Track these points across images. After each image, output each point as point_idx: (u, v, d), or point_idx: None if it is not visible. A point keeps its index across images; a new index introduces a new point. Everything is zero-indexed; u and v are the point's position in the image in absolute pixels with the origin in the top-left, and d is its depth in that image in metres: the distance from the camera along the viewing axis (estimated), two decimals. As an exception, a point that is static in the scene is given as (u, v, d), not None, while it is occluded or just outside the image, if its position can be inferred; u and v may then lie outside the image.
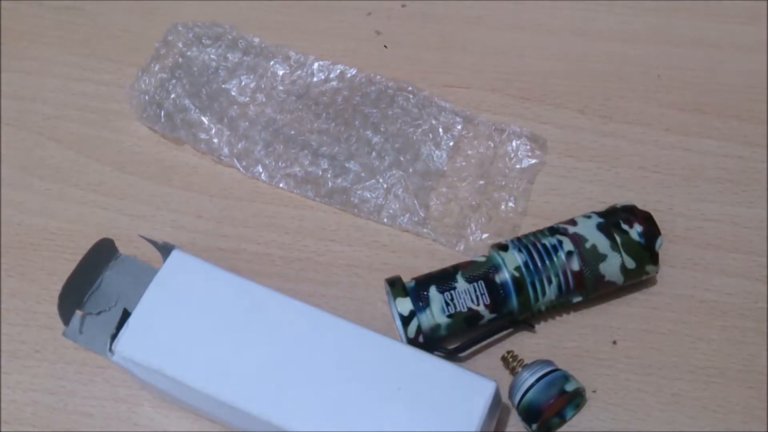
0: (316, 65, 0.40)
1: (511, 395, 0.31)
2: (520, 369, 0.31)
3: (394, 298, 0.31)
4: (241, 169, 0.38)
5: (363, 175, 0.37)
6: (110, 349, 0.30)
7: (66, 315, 0.31)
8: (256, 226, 0.37)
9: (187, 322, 0.30)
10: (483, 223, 0.36)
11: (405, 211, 0.36)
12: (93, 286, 0.32)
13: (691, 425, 0.32)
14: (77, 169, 0.39)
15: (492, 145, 0.38)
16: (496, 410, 0.29)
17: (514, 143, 0.38)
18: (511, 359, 0.32)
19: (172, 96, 0.39)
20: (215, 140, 0.38)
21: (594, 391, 0.32)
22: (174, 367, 0.29)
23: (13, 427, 0.33)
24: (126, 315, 0.30)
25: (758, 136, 0.38)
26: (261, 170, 0.38)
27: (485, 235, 0.35)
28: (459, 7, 0.43)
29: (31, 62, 0.43)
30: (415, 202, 0.36)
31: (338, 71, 0.40)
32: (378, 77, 0.40)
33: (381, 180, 0.37)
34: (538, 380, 0.30)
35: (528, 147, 0.38)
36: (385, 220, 0.36)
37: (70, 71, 0.42)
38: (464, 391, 0.28)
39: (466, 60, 0.41)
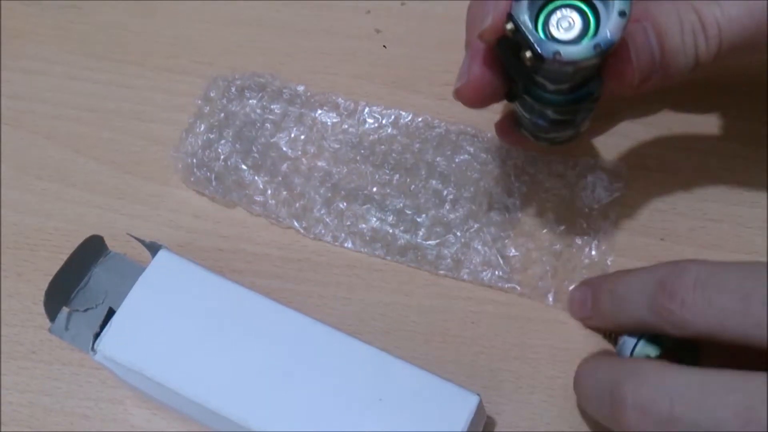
0: (366, 110, 0.38)
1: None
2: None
3: None
4: (302, 230, 0.36)
5: (438, 230, 0.35)
6: (92, 348, 0.30)
7: (52, 311, 0.31)
8: (255, 226, 0.37)
9: (171, 323, 0.30)
10: (569, 270, 0.34)
11: (486, 266, 0.34)
12: (81, 282, 0.31)
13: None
14: (75, 168, 0.39)
15: (565, 183, 0.36)
16: (480, 424, 0.29)
17: (588, 178, 0.36)
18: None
19: (222, 157, 0.37)
20: (271, 201, 0.36)
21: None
22: (155, 368, 0.29)
23: (10, 428, 0.33)
24: (111, 313, 0.30)
25: (759, 136, 0.38)
26: (323, 230, 0.36)
27: (572, 286, 0.33)
28: (459, 5, 0.43)
29: (28, 61, 0.42)
30: (498, 255, 0.34)
31: (392, 117, 0.38)
32: (436, 121, 0.38)
33: (458, 234, 0.35)
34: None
35: (605, 180, 0.35)
36: (465, 276, 0.34)
37: (67, 70, 0.42)
38: (447, 403, 0.28)
39: (466, 59, 0.41)
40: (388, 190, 0.36)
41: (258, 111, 0.39)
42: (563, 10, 0.25)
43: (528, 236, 0.35)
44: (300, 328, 0.30)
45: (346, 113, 0.39)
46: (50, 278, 0.30)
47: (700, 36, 0.27)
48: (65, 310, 0.31)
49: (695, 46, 0.28)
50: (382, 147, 0.37)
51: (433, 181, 0.36)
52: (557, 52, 0.24)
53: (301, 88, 0.39)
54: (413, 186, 0.36)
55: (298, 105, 0.39)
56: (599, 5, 0.25)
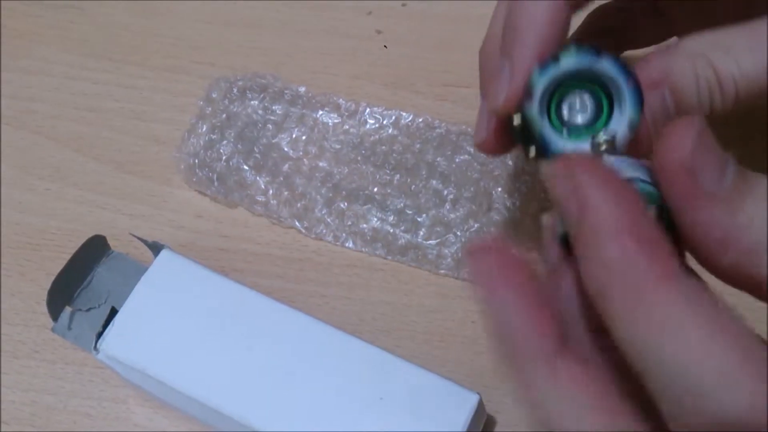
0: (367, 111, 0.38)
1: None
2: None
3: None
4: (303, 230, 0.36)
5: (438, 229, 0.35)
6: (95, 347, 0.30)
7: (55, 311, 0.31)
8: (256, 226, 0.37)
9: (173, 322, 0.30)
10: None
11: None
12: (84, 282, 0.32)
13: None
14: (76, 168, 0.39)
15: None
16: (480, 423, 0.29)
17: None
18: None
19: (224, 157, 0.37)
20: (273, 201, 0.36)
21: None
22: (157, 367, 0.29)
23: (12, 427, 0.33)
24: (113, 313, 0.30)
25: (758, 135, 0.38)
26: (324, 230, 0.36)
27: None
28: (460, 6, 0.43)
29: (29, 61, 0.42)
30: None
31: (393, 118, 0.38)
32: (437, 122, 0.38)
33: (459, 233, 0.35)
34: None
35: None
36: (465, 275, 0.34)
37: (68, 70, 0.42)
38: (447, 402, 0.28)
39: (466, 59, 0.41)
40: (389, 190, 0.37)
41: (260, 112, 0.39)
42: (576, 92, 0.26)
43: (528, 236, 0.35)
44: (301, 327, 0.30)
45: (347, 114, 0.39)
46: (52, 278, 0.31)
47: (716, 93, 0.27)
48: (68, 309, 0.31)
49: (710, 101, 0.28)
50: (383, 147, 0.38)
51: (434, 181, 0.37)
52: (559, 155, 0.24)
53: (302, 89, 0.39)
54: (414, 186, 0.37)
55: (300, 106, 0.39)
56: (614, 94, 0.25)
